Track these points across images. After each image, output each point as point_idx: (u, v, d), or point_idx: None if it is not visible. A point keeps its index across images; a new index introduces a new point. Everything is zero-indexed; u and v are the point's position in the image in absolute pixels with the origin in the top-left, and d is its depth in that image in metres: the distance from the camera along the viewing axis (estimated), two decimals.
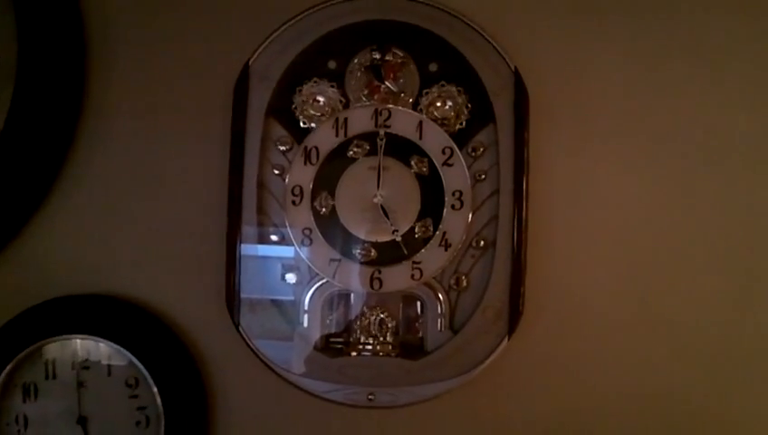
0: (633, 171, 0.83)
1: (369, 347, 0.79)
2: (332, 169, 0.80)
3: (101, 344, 0.79)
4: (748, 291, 0.83)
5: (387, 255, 0.79)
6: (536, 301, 0.80)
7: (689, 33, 0.82)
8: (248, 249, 0.80)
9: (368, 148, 0.79)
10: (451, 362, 0.79)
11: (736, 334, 0.82)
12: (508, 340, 0.79)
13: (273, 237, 0.80)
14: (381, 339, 0.80)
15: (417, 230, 0.79)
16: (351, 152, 0.79)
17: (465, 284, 0.80)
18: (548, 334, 0.82)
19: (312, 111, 0.80)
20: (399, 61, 0.80)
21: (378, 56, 0.80)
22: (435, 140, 0.79)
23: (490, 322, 0.79)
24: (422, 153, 0.79)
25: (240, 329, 0.79)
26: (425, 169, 0.79)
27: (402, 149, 0.79)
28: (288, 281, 0.80)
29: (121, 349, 0.79)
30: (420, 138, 0.79)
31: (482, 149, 0.80)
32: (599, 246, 0.83)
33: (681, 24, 0.83)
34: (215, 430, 0.84)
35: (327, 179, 0.79)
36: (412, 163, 0.79)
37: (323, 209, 0.79)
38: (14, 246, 0.83)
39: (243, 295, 0.80)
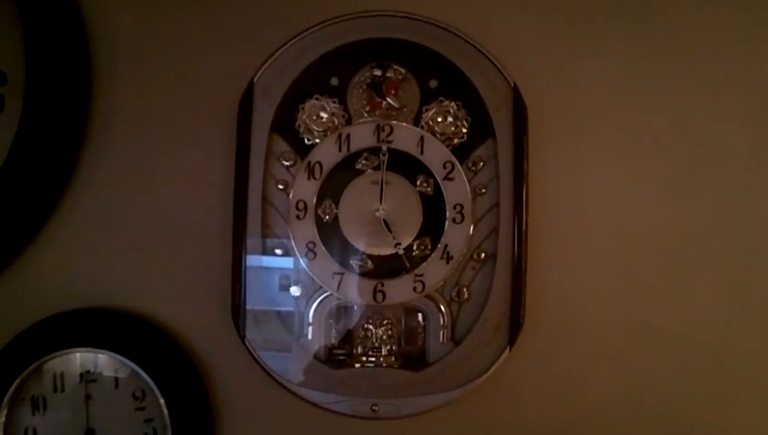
0: (631, 183, 0.84)
1: (372, 359, 0.80)
2: (335, 183, 0.81)
3: (108, 357, 0.81)
4: (748, 304, 0.84)
5: (389, 268, 0.80)
6: (536, 312, 0.81)
7: (685, 47, 0.84)
8: (253, 262, 0.81)
9: (376, 162, 0.81)
10: (453, 374, 0.80)
11: (736, 344, 0.83)
12: (509, 351, 0.80)
13: (278, 251, 0.81)
14: (384, 351, 0.80)
15: (415, 248, 0.80)
16: (360, 165, 0.81)
17: (466, 296, 0.81)
18: (548, 345, 0.83)
19: (314, 127, 0.81)
20: (400, 77, 0.81)
21: (378, 73, 0.81)
22: (436, 155, 0.80)
23: (491, 333, 0.80)
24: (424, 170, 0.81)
25: (246, 341, 0.80)
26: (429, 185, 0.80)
27: (404, 164, 0.81)
28: (292, 294, 0.81)
29: (128, 361, 0.80)
30: (421, 153, 0.80)
31: (482, 164, 0.81)
32: (598, 258, 0.84)
33: (677, 38, 0.84)
34: None
35: (330, 194, 0.81)
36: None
37: (326, 217, 0.80)
38: (20, 262, 0.84)
39: (248, 307, 0.80)
